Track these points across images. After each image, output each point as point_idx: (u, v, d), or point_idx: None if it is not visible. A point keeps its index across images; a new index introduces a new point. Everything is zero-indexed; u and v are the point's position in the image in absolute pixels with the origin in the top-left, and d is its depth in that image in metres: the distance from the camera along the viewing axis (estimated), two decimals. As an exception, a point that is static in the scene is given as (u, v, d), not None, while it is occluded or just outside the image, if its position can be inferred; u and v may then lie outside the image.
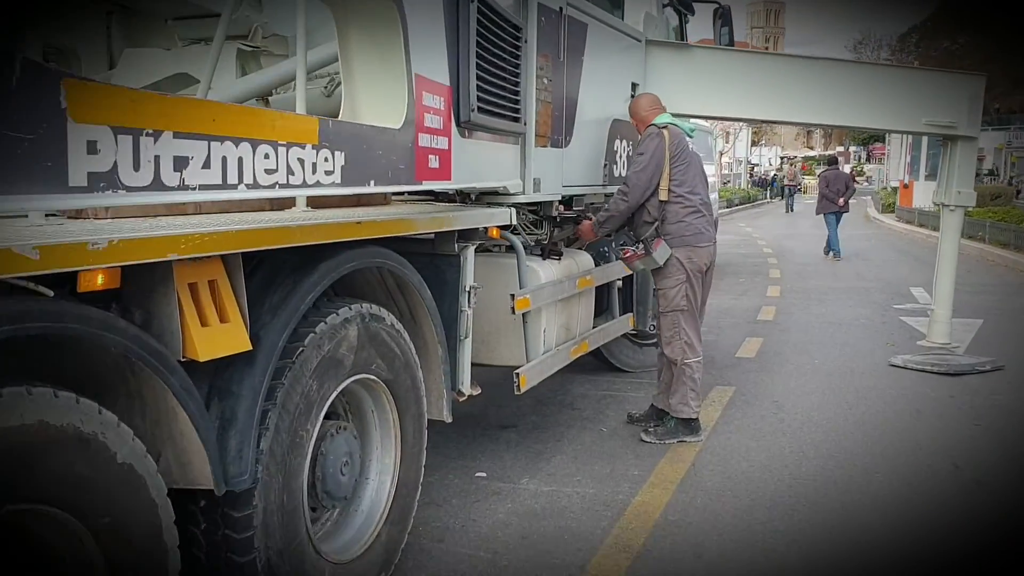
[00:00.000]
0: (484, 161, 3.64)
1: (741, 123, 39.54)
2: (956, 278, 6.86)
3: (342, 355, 2.73)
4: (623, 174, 5.18)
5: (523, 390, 4.01)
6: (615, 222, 4.84)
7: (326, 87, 3.71)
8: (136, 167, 1.73)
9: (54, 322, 1.77)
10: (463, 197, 4.02)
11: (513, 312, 3.95)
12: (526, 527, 3.69)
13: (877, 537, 3.63)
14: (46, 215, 2.04)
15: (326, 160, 2.38)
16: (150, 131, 1.76)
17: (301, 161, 2.28)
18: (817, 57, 6.45)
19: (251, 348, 2.32)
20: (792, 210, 32.55)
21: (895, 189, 30.07)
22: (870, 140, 66.66)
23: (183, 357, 2.14)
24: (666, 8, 6.49)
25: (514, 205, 3.99)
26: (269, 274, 2.54)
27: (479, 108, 3.36)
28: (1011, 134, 34.39)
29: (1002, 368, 6.52)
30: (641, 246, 4.74)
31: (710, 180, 6.22)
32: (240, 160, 2.04)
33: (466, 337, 3.59)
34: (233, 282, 2.30)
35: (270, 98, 3.77)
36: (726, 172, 45.98)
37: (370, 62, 2.77)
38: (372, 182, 2.63)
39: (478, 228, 3.65)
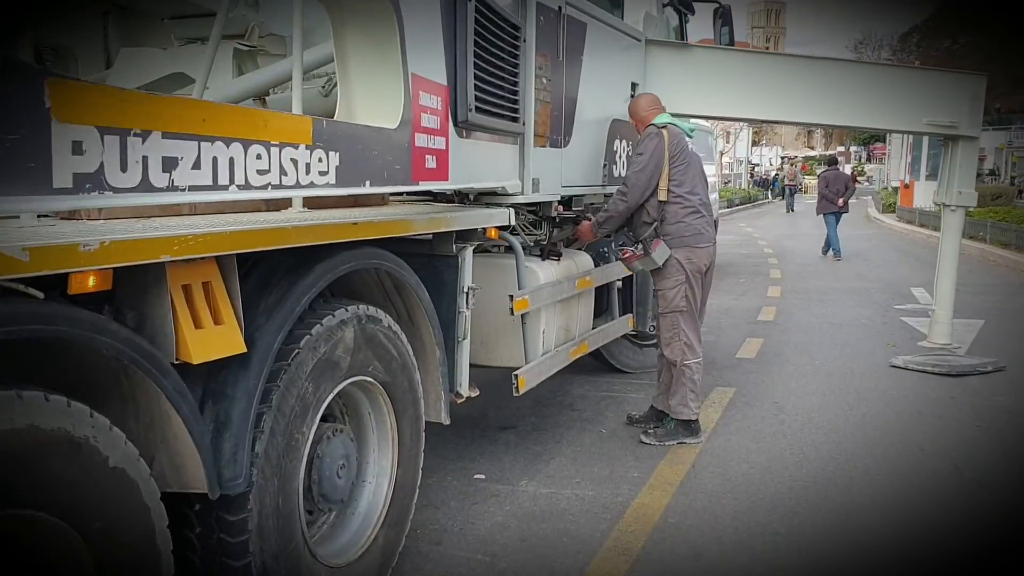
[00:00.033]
0: (482, 161, 3.61)
1: (742, 123, 39.53)
2: (957, 278, 6.84)
3: (338, 357, 2.70)
4: (623, 174, 5.16)
5: (522, 392, 3.99)
6: (614, 223, 4.82)
7: (324, 87, 3.68)
8: (123, 168, 1.70)
9: (44, 325, 1.75)
10: (461, 197, 4.00)
11: (512, 313, 3.93)
12: (525, 530, 3.66)
13: (878, 539, 3.61)
14: (38, 216, 2.01)
15: (320, 160, 2.35)
16: (138, 131, 1.73)
17: (295, 162, 2.25)
18: (817, 57, 6.43)
19: (246, 350, 2.30)
20: (792, 210, 32.60)
21: (896, 189, 30.04)
22: (871, 140, 66.60)
23: (176, 360, 2.12)
24: (666, 8, 6.46)
25: (513, 205, 3.97)
26: (264, 275, 2.52)
27: (477, 108, 3.34)
28: (1012, 134, 34.34)
29: (1003, 369, 6.50)
30: (640, 247, 4.72)
31: (710, 180, 6.21)
32: (231, 161, 2.01)
33: (464, 338, 3.57)
34: (228, 283, 2.28)
35: (267, 98, 3.75)
36: (727, 172, 45.97)
37: (366, 61, 2.74)
38: (367, 183, 2.60)
39: (476, 229, 3.63)
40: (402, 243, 3.14)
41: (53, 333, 1.78)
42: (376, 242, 2.86)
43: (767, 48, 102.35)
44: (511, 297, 3.91)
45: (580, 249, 5.12)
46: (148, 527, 2.03)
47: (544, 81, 4.16)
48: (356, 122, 2.68)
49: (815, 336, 8.01)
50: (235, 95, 3.51)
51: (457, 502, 3.95)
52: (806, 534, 3.65)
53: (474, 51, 3.29)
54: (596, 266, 5.08)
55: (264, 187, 2.13)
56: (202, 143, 1.92)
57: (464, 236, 3.54)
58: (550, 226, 4.80)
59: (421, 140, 2.93)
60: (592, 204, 5.22)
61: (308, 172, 2.31)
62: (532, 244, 4.59)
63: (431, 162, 3.01)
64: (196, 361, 2.14)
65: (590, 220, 4.91)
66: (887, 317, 9.01)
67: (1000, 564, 3.46)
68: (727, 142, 47.44)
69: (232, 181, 2.02)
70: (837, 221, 15.49)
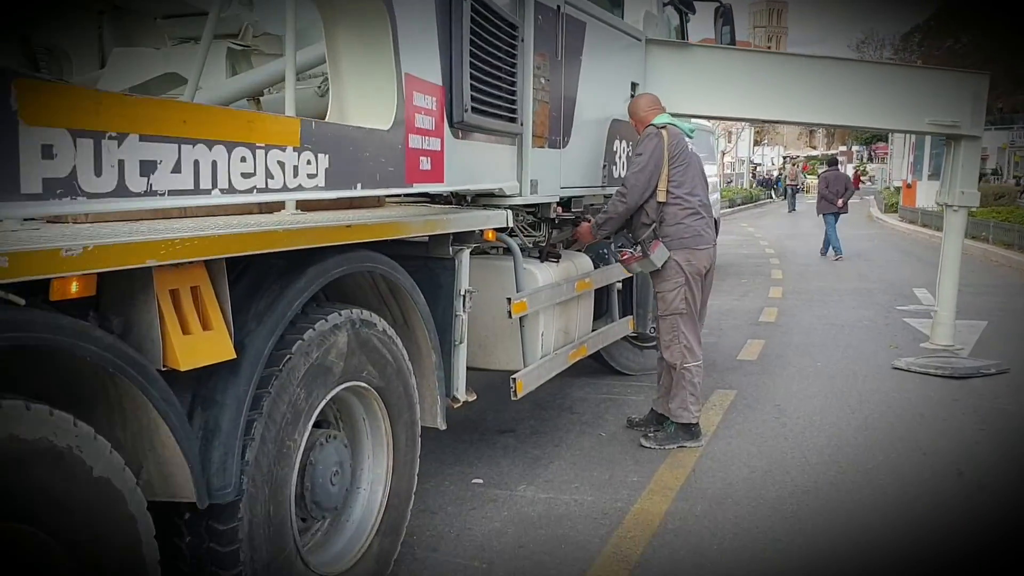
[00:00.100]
0: (479, 162, 3.57)
1: (743, 123, 39.49)
2: (960, 279, 6.79)
3: (331, 362, 2.66)
4: (622, 175, 5.11)
5: (520, 396, 3.94)
6: (613, 224, 4.77)
7: (320, 87, 3.64)
8: (98, 172, 1.65)
9: (24, 332, 1.70)
10: (459, 199, 3.95)
11: (510, 316, 3.89)
12: (523, 536, 3.62)
13: (880, 543, 3.55)
14: (23, 219, 1.97)
15: (309, 163, 2.30)
16: (113, 134, 1.68)
17: (281, 164, 2.20)
18: (819, 56, 6.38)
19: (235, 356, 2.25)
20: (794, 209, 32.62)
21: (898, 189, 29.97)
22: (873, 139, 66.51)
23: (164, 366, 2.07)
24: (667, 7, 6.41)
25: (511, 207, 3.92)
26: (255, 279, 2.48)
27: (473, 108, 3.30)
28: (1015, 133, 34.24)
29: (1007, 371, 6.44)
30: (639, 248, 4.68)
31: (711, 180, 6.18)
32: (214, 164, 1.96)
33: (461, 342, 3.52)
34: (217, 288, 2.24)
35: (262, 98, 3.71)
36: (728, 172, 45.92)
37: (358, 62, 2.70)
38: (359, 185, 2.55)
39: (473, 231, 3.58)
40: (397, 245, 3.10)
41: (34, 340, 1.74)
42: (370, 245, 2.82)
43: (769, 47, 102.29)
44: (509, 300, 3.86)
45: (579, 251, 5.07)
46: (134, 538, 1.99)
47: (542, 81, 4.12)
48: (347, 123, 2.63)
49: (817, 337, 7.96)
50: (228, 95, 3.47)
51: (454, 507, 3.90)
52: (808, 539, 3.60)
53: (470, 51, 3.24)
54: (596, 268, 5.03)
55: (249, 191, 2.08)
56: (183, 146, 1.87)
57: (461, 238, 3.49)
58: (549, 227, 4.76)
59: (415, 141, 2.88)
60: (592, 205, 5.18)
61: (296, 175, 2.26)
62: (531, 246, 4.55)
63: (426, 164, 2.96)
64: (184, 368, 2.10)
65: (589, 221, 4.87)
66: (889, 318, 8.96)
67: (1002, 567, 3.42)
68: (729, 142, 47.39)
69: (215, 185, 1.97)
70: (836, 221, 15.45)
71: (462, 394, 3.59)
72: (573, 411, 5.45)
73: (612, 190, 4.96)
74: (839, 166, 17.80)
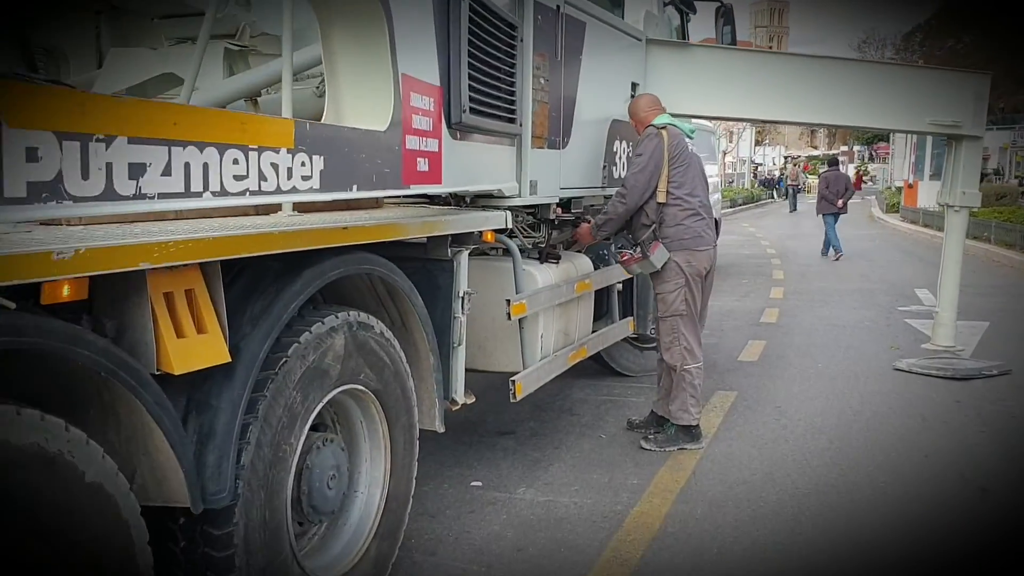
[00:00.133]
0: (477, 163, 3.55)
1: (744, 123, 39.46)
2: (961, 280, 6.76)
3: (328, 365, 2.63)
4: (622, 176, 5.09)
5: (519, 398, 3.92)
6: (613, 225, 4.75)
7: (318, 87, 3.61)
8: (85, 175, 1.62)
9: (15, 336, 1.68)
10: (458, 200, 3.93)
11: (509, 318, 3.86)
12: (521, 539, 3.59)
13: (882, 547, 3.53)
14: (16, 222, 1.95)
15: (303, 165, 2.28)
16: (101, 136, 1.65)
17: (275, 166, 2.18)
18: (819, 56, 6.36)
19: (230, 360, 2.23)
20: (796, 209, 32.66)
21: (899, 189, 29.92)
22: (874, 139, 66.41)
23: (157, 370, 2.05)
24: (667, 7, 6.39)
25: (510, 208, 3.90)
26: (251, 282, 2.45)
27: (471, 109, 3.28)
28: (1016, 133, 34.15)
29: (1009, 372, 6.41)
30: (638, 249, 4.65)
31: (712, 180, 6.15)
32: (205, 166, 1.93)
33: (459, 344, 3.50)
34: (211, 291, 2.21)
35: (259, 99, 3.69)
36: (730, 172, 45.89)
37: (354, 62, 2.67)
38: (354, 187, 2.53)
39: (472, 233, 3.55)
40: (395, 247, 3.07)
41: (26, 345, 1.71)
42: (368, 246, 2.79)
43: (770, 47, 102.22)
44: (508, 301, 3.84)
45: (579, 251, 5.05)
46: (127, 544, 1.96)
47: (542, 81, 4.09)
48: (343, 124, 2.60)
49: (818, 338, 7.94)
50: (225, 96, 3.45)
51: (453, 511, 3.88)
52: (809, 542, 3.57)
53: (468, 51, 3.22)
54: (596, 268, 5.01)
55: (242, 193, 2.05)
56: (173, 148, 1.84)
57: (459, 240, 3.46)
58: (548, 228, 4.73)
59: (412, 142, 2.85)
60: (592, 206, 5.15)
61: (290, 177, 2.24)
62: (530, 247, 4.53)
63: (423, 165, 2.94)
64: (178, 371, 2.08)
65: (589, 222, 4.85)
66: (891, 319, 8.93)
67: (1002, 567, 3.40)
68: (730, 142, 47.36)
69: (207, 187, 1.95)
70: (836, 221, 15.42)
71: (461, 397, 3.57)
72: (573, 413, 5.43)
73: (612, 191, 4.93)
74: (840, 166, 17.78)
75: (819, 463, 4.52)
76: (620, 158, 5.33)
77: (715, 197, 13.60)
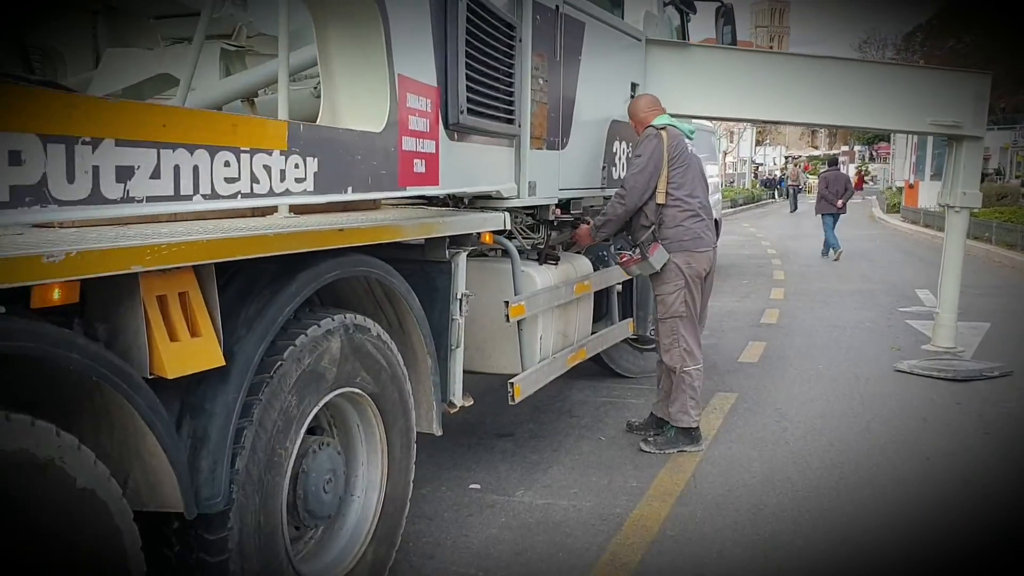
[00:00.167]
0: (476, 165, 3.52)
1: (745, 123, 39.44)
2: (962, 280, 6.74)
3: (324, 369, 2.61)
4: (622, 176, 5.07)
5: (517, 400, 3.89)
6: (613, 226, 4.73)
7: (315, 88, 3.59)
8: (70, 179, 1.60)
9: (3, 341, 1.65)
10: (456, 201, 3.90)
11: (507, 320, 3.84)
12: (520, 543, 3.57)
13: (883, 550, 3.51)
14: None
15: (296, 167, 2.25)
16: (87, 139, 1.62)
17: (267, 168, 2.15)
18: (819, 56, 6.33)
19: (224, 363, 2.21)
20: (796, 209, 32.67)
21: (900, 189, 29.89)
22: (875, 139, 66.37)
23: (150, 374, 2.03)
24: (667, 7, 6.37)
25: (509, 209, 3.87)
26: (245, 284, 2.43)
27: (469, 110, 3.25)
28: (1017, 133, 34.08)
29: (1010, 374, 6.38)
30: (637, 251, 4.63)
31: (713, 180, 6.13)
32: (195, 169, 1.91)
33: (457, 347, 3.48)
34: (206, 294, 2.19)
35: (256, 99, 3.67)
36: (730, 172, 45.87)
37: (349, 63, 2.65)
38: (349, 189, 2.51)
39: (470, 234, 3.53)
40: (393, 248, 3.05)
41: (15, 349, 1.69)
42: (364, 248, 2.77)
43: (771, 47, 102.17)
44: (506, 303, 3.82)
45: (579, 253, 5.03)
46: (119, 550, 1.94)
47: (541, 82, 4.07)
48: (338, 126, 2.58)
49: (819, 339, 7.91)
50: (222, 96, 3.43)
51: (451, 513, 3.85)
52: (810, 546, 3.55)
53: (466, 51, 3.20)
54: (595, 270, 4.99)
55: (234, 196, 2.03)
56: (162, 150, 1.81)
57: (457, 241, 3.44)
58: (548, 229, 4.71)
59: (409, 144, 2.83)
60: (591, 207, 5.13)
61: (283, 179, 2.21)
62: (529, 248, 4.51)
63: (420, 166, 2.91)
64: (171, 375, 2.05)
65: (588, 223, 4.82)
66: (891, 320, 8.91)
67: (1002, 567, 3.38)
68: (731, 142, 47.34)
69: (197, 190, 1.92)
70: (835, 222, 15.40)
71: (459, 399, 3.54)
72: (572, 415, 5.40)
73: (611, 192, 4.91)
74: (840, 166, 17.75)
75: (819, 465, 4.49)
76: (619, 159, 5.31)
77: (715, 197, 13.56)
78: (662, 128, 4.64)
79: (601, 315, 5.38)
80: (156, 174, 1.82)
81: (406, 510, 3.20)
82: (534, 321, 4.13)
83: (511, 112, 3.73)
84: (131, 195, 1.74)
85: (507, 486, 4.19)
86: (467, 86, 3.22)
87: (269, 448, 2.40)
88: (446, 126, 3.15)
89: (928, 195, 22.78)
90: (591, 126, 4.85)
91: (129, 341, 2.02)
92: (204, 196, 1.95)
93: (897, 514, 3.88)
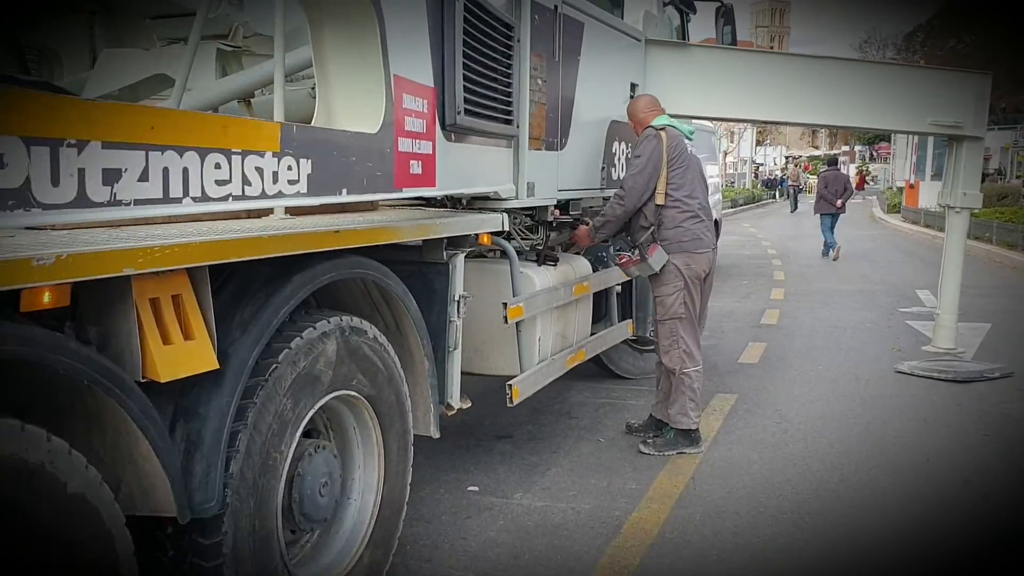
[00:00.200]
0: (473, 165, 3.50)
1: (745, 123, 39.43)
2: (962, 281, 6.72)
3: (319, 371, 2.59)
4: (621, 177, 5.05)
5: (516, 402, 3.87)
6: (612, 227, 4.70)
7: (313, 88, 3.57)
8: (55, 182, 1.57)
9: (-8, 345, 1.64)
10: (454, 202, 3.88)
11: (506, 321, 3.82)
12: (518, 546, 3.55)
13: (883, 550, 3.49)
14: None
15: (289, 169, 2.23)
16: (72, 141, 1.60)
17: (260, 170, 2.13)
18: (820, 56, 6.31)
19: (218, 366, 2.19)
20: (797, 208, 32.70)
21: (901, 189, 29.87)
22: (875, 139, 66.33)
23: (143, 378, 2.01)
24: (667, 7, 6.34)
25: (507, 210, 3.85)
26: (240, 287, 2.41)
27: (466, 111, 3.23)
28: (1018, 133, 34.04)
29: (1011, 375, 6.36)
30: (636, 252, 4.61)
31: (713, 181, 6.11)
32: (185, 171, 1.88)
33: (455, 349, 3.45)
34: (199, 296, 2.17)
35: (253, 100, 3.65)
36: (731, 172, 45.86)
37: (344, 63, 2.63)
38: (344, 191, 2.48)
39: (468, 235, 3.51)
40: (390, 250, 3.02)
41: (4, 354, 1.67)
42: (361, 250, 2.75)
43: (771, 47, 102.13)
44: (505, 305, 3.80)
45: (578, 253, 5.01)
46: (111, 556, 1.92)
47: (539, 82, 4.05)
48: (333, 127, 2.56)
49: (819, 340, 7.89)
50: (218, 97, 3.41)
51: (449, 516, 3.83)
52: (810, 548, 3.53)
53: (463, 51, 3.18)
54: (594, 271, 4.97)
55: (224, 199, 2.00)
56: (151, 152, 1.79)
57: (455, 242, 3.41)
58: (546, 230, 4.69)
59: (405, 145, 2.81)
60: (590, 208, 5.11)
61: (275, 181, 2.19)
62: (528, 249, 4.48)
63: (416, 167, 2.89)
64: (164, 379, 2.03)
65: (587, 224, 4.80)
66: (892, 320, 8.88)
67: (1002, 567, 3.37)
68: (731, 142, 47.32)
69: (187, 193, 1.89)
70: (834, 222, 15.38)
71: (456, 401, 3.52)
72: (571, 416, 5.38)
73: (611, 192, 4.89)
74: (839, 166, 17.74)
75: (820, 467, 4.47)
76: (619, 159, 5.29)
77: (715, 198, 13.54)
78: (661, 128, 4.62)
79: (600, 316, 5.35)
80: (144, 177, 1.79)
81: (403, 513, 3.18)
82: (533, 322, 4.11)
83: (509, 112, 3.71)
84: (118, 198, 1.71)
85: (506, 488, 4.16)
86: (464, 86, 3.20)
87: (264, 452, 2.38)
88: (443, 127, 3.13)
89: (928, 195, 22.75)
90: (590, 126, 4.83)
91: (121, 344, 2.00)
92: (194, 199, 1.92)
93: (897, 514, 3.86)
